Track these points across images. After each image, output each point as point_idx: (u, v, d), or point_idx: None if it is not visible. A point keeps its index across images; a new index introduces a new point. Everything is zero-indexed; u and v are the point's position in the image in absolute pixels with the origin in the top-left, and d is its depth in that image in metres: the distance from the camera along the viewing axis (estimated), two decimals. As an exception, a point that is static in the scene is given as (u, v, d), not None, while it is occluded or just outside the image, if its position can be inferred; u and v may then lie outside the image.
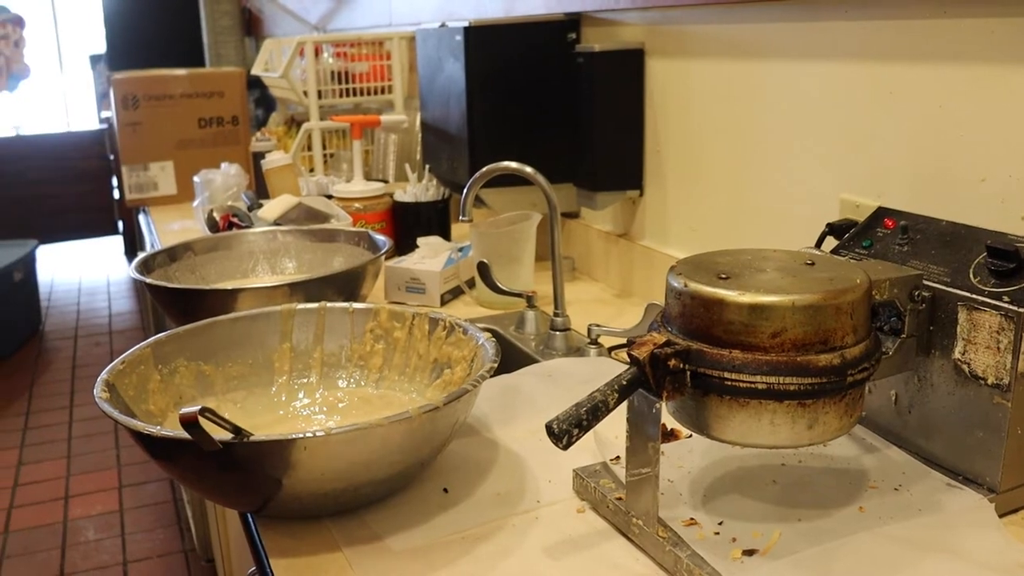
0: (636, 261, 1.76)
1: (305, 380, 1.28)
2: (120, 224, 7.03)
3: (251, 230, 1.88)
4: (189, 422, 0.87)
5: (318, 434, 0.91)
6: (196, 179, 2.44)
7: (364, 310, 1.31)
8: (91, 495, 3.43)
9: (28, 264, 5.17)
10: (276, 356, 1.28)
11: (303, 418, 1.24)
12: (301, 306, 1.30)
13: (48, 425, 4.08)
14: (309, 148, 2.74)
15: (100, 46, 6.21)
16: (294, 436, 0.91)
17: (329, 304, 1.31)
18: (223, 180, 2.38)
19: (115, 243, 7.24)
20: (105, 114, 6.28)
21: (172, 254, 1.71)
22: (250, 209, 2.09)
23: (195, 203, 2.44)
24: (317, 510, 1.00)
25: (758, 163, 1.45)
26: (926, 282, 1.00)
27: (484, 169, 1.50)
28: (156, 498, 3.44)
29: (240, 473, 0.94)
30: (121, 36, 5.83)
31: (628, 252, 1.79)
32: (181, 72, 2.93)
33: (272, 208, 2.00)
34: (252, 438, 0.91)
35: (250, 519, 1.04)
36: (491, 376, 1.08)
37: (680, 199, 1.65)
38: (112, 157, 6.06)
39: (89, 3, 6.79)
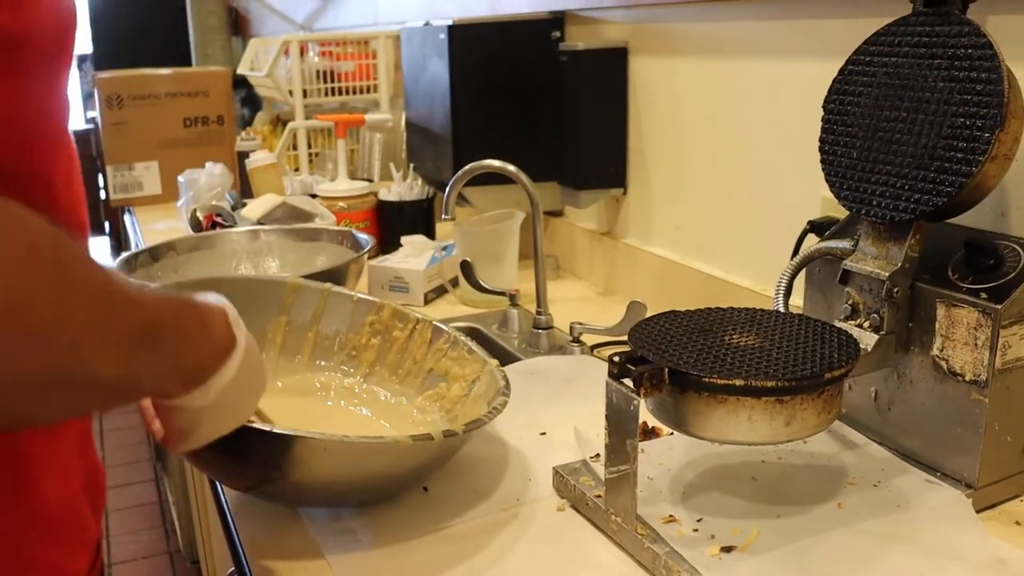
0: (620, 259, 1.76)
1: (295, 358, 1.27)
2: (107, 224, 6.99)
3: (234, 229, 1.87)
4: None
5: (345, 439, 0.89)
6: (180, 179, 2.43)
7: (368, 302, 1.29)
8: (76, 496, 3.41)
9: (14, 265, 5.12)
10: (271, 327, 1.26)
11: (289, 395, 1.22)
12: (307, 283, 1.29)
13: (33, 426, 4.05)
14: (295, 147, 2.73)
15: (86, 46, 6.18)
16: (313, 435, 0.88)
17: (335, 288, 1.30)
18: (207, 180, 2.37)
19: (102, 243, 7.21)
20: (91, 114, 6.25)
21: (154, 254, 1.71)
22: (234, 208, 2.08)
23: (179, 203, 2.44)
24: (309, 501, 1.01)
25: (741, 161, 1.45)
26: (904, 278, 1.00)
27: (467, 168, 1.50)
28: (141, 499, 3.43)
29: (241, 456, 0.92)
30: (107, 35, 5.80)
31: (612, 250, 1.79)
32: (166, 72, 2.92)
33: (255, 207, 2.00)
34: (272, 428, 0.88)
35: (229, 518, 1.03)
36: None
37: (664, 197, 1.65)
38: (98, 157, 6.04)
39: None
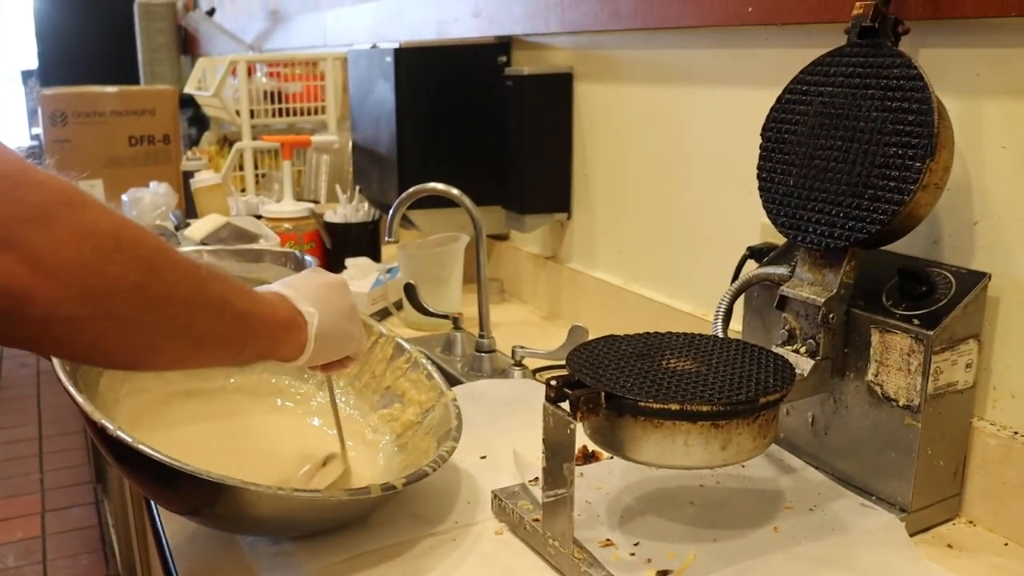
0: (564, 283, 1.77)
1: None
2: (50, 243, 6.86)
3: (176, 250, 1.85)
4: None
5: (279, 492, 0.87)
6: (124, 198, 2.40)
7: None
8: (11, 520, 3.34)
9: (-48, 283, 5.02)
10: None
11: (240, 393, 1.20)
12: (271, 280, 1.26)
13: (-31, 449, 3.97)
14: (241, 168, 2.71)
15: (32, 61, 6.10)
16: (246, 486, 0.85)
17: None
18: (151, 199, 2.34)
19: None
20: (36, 131, 6.16)
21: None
22: (177, 228, 2.06)
23: (122, 222, 2.40)
24: (245, 533, 1.00)
25: (683, 186, 1.47)
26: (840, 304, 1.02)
27: (410, 190, 1.49)
28: (81, 523, 3.36)
29: (176, 490, 0.91)
30: (54, 51, 5.72)
31: (556, 274, 1.79)
32: (111, 89, 2.89)
33: (199, 227, 1.98)
34: (205, 475, 0.85)
35: (165, 543, 1.02)
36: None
37: (607, 222, 1.66)
38: (42, 175, 5.91)
39: (21, 16, 6.67)
